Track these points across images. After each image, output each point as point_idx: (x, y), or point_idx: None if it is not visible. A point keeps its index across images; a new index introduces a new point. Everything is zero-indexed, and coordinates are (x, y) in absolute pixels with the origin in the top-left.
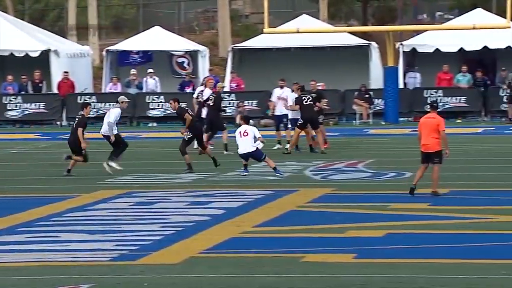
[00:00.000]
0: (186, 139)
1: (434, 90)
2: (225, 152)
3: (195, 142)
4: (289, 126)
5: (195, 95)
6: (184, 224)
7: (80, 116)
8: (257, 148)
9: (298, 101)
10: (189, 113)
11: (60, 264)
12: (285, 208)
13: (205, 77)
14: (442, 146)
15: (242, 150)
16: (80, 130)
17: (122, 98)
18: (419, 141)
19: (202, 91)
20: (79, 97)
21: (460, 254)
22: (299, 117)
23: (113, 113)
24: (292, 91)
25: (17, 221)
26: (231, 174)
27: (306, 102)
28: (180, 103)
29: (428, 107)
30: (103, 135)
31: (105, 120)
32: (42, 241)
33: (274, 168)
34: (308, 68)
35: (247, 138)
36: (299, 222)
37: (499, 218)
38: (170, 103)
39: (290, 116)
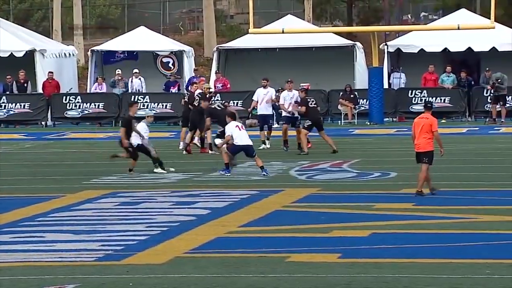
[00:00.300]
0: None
1: (419, 91)
2: (210, 152)
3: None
4: (301, 125)
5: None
6: (169, 224)
7: (126, 116)
8: None
9: (304, 102)
10: None
11: (45, 265)
12: (270, 208)
13: (190, 79)
14: (435, 147)
15: (244, 142)
16: (122, 129)
17: (148, 112)
18: (413, 141)
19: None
20: (64, 97)
21: (444, 253)
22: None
23: (140, 129)
24: (277, 91)
25: (2, 221)
26: (217, 174)
27: (311, 104)
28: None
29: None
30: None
31: (136, 134)
32: (27, 241)
33: (262, 167)
34: (293, 68)
35: (245, 131)
36: (284, 222)
37: (483, 218)
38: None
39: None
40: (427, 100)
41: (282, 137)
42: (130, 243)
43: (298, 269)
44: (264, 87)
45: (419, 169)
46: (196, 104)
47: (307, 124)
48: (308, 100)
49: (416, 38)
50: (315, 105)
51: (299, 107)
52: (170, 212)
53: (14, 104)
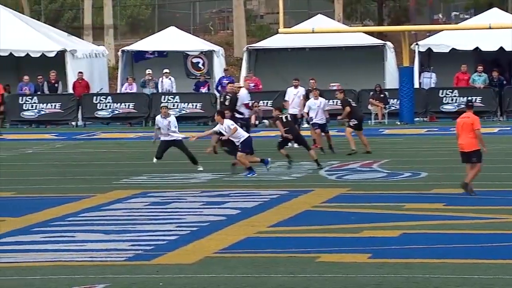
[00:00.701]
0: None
1: (450, 90)
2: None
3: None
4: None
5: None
6: (199, 224)
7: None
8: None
9: (346, 103)
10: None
11: (76, 264)
12: (300, 208)
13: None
14: (479, 145)
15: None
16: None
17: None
18: (457, 141)
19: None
20: (94, 97)
21: (476, 254)
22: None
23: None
24: (308, 92)
25: (33, 221)
26: (246, 174)
27: (353, 103)
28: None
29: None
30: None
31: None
32: (58, 241)
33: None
34: (323, 68)
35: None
36: (314, 222)
37: None
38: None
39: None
40: (468, 99)
41: (316, 143)
42: (160, 243)
43: (328, 269)
44: (295, 87)
45: (465, 169)
46: (227, 104)
47: (353, 123)
48: (349, 100)
49: (447, 37)
50: (355, 104)
51: (344, 108)
52: (200, 212)
53: (45, 104)
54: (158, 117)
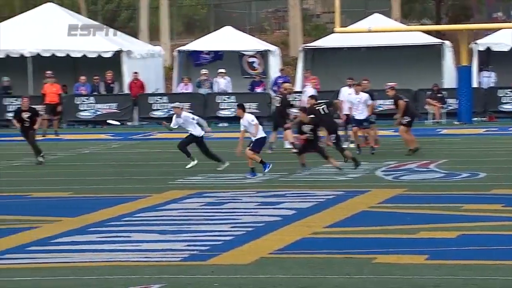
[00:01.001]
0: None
1: (509, 90)
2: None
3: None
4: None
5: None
6: (254, 224)
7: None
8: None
9: (399, 98)
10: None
11: (132, 264)
12: (356, 209)
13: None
14: None
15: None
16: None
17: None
18: None
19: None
20: (150, 97)
21: None
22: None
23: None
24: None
25: (89, 221)
26: (302, 174)
27: (405, 100)
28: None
29: None
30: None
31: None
32: (114, 241)
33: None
34: (379, 68)
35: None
36: (371, 222)
37: None
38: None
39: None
40: None
41: (355, 142)
42: (215, 244)
43: (385, 270)
44: (349, 86)
45: None
46: (278, 105)
47: (406, 120)
48: (401, 96)
49: (506, 36)
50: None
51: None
52: (255, 212)
53: (101, 105)
54: (174, 118)
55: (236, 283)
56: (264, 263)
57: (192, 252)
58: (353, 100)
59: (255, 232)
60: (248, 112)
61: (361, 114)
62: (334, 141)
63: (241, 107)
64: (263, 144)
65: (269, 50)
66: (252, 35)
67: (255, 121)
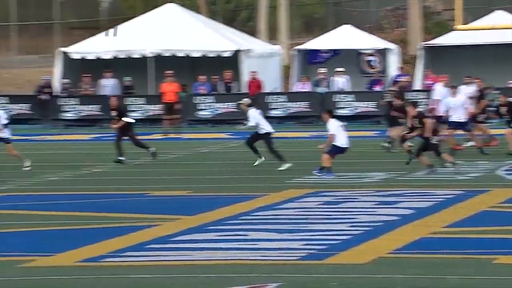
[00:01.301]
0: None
1: None
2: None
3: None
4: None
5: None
6: (372, 223)
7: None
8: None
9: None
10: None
11: (249, 263)
12: (477, 209)
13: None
14: None
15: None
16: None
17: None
18: None
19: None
20: (267, 96)
21: None
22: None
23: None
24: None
25: (207, 219)
26: (420, 173)
27: None
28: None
29: None
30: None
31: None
32: (231, 239)
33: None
34: (502, 66)
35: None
36: (491, 223)
37: None
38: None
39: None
40: None
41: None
42: (333, 243)
43: (506, 271)
44: (467, 84)
45: None
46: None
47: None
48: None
49: None
50: None
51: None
52: (373, 211)
53: (220, 104)
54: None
55: (353, 283)
56: (382, 263)
57: (309, 251)
58: (450, 103)
59: (373, 231)
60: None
61: (461, 117)
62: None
63: (328, 112)
64: (340, 152)
65: (388, 48)
66: (371, 33)
67: (332, 132)
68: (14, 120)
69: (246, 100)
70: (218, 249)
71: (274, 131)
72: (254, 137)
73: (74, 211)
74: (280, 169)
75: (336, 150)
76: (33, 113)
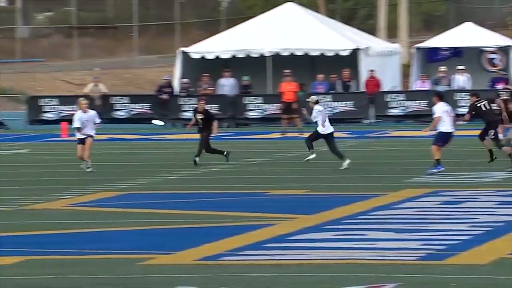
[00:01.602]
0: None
1: None
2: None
3: None
4: None
5: None
6: (493, 224)
7: None
8: None
9: None
10: None
11: (366, 263)
12: None
13: None
14: None
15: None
16: None
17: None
18: None
19: None
20: (386, 95)
21: None
22: None
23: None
24: None
25: (324, 219)
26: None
27: None
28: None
29: None
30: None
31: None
32: (349, 239)
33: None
34: None
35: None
36: None
37: None
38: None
39: None
40: None
41: None
42: (452, 243)
43: None
44: None
45: None
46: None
47: None
48: None
49: None
50: None
51: None
52: (494, 211)
53: (338, 103)
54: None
55: (473, 284)
56: (503, 264)
57: (428, 251)
58: None
59: (495, 232)
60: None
61: None
62: (493, 137)
63: (437, 95)
64: (446, 139)
65: (511, 46)
66: (494, 31)
67: (438, 114)
68: (135, 120)
69: (314, 98)
70: (335, 249)
71: (334, 130)
72: (315, 135)
73: (193, 209)
74: (342, 168)
75: (441, 138)
76: (153, 113)
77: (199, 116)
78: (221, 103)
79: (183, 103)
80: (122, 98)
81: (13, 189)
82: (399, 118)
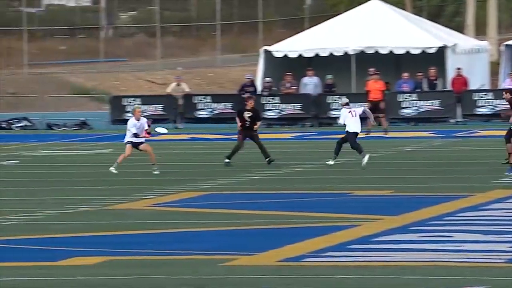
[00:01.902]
0: None
1: None
2: None
3: None
4: None
5: None
6: None
7: None
8: None
9: None
10: None
11: (452, 265)
12: None
13: None
14: None
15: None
16: None
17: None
18: None
19: None
20: (474, 93)
21: None
22: None
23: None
24: None
25: (410, 220)
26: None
27: None
28: None
29: None
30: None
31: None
32: (435, 240)
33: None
34: None
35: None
36: None
37: None
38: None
39: None
40: None
41: None
42: None
43: None
44: None
45: None
46: None
47: None
48: None
49: None
50: None
51: None
52: None
53: (424, 102)
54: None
55: None
56: None
57: None
58: None
59: None
60: None
61: None
62: None
63: (509, 91)
64: None
65: None
66: None
67: None
68: (217, 120)
69: (344, 100)
70: (421, 250)
71: (360, 131)
72: (351, 137)
73: (276, 210)
74: (362, 164)
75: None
76: (235, 112)
77: (248, 114)
78: (304, 102)
79: (266, 102)
80: (204, 98)
81: (96, 189)
82: (487, 117)
